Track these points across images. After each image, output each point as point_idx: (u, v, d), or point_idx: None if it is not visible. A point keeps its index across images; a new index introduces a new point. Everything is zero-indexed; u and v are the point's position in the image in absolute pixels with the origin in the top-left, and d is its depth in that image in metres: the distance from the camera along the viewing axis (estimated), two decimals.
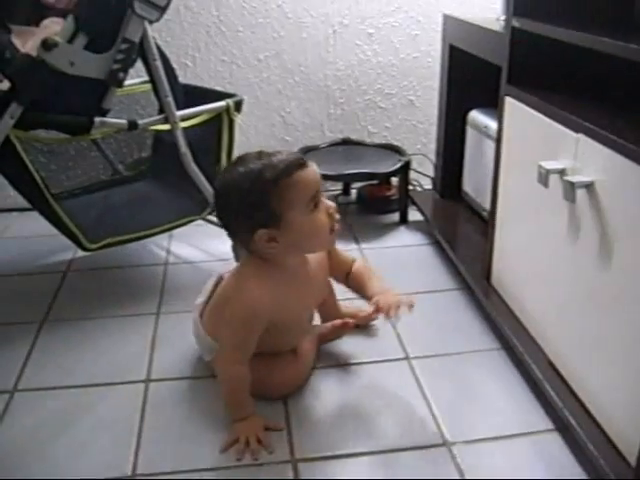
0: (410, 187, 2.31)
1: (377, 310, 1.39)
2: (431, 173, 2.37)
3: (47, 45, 1.43)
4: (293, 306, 1.38)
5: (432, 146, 2.34)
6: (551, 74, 1.42)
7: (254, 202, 1.25)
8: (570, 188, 1.19)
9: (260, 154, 1.28)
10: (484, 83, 1.70)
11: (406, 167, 2.22)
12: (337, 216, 1.32)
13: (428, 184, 2.40)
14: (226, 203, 1.30)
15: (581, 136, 1.20)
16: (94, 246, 1.69)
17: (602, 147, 1.13)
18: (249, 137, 2.45)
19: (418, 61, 2.43)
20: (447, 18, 2.07)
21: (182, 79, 2.24)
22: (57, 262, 2.04)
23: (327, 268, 1.48)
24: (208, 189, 1.78)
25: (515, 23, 1.44)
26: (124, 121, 1.62)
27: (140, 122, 1.65)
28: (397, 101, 2.48)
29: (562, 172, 1.25)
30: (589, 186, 1.17)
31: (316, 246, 1.37)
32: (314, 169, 1.29)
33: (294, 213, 1.26)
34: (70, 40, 1.47)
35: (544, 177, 1.28)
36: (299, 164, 1.26)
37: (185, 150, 1.72)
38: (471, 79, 2.01)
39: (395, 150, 2.34)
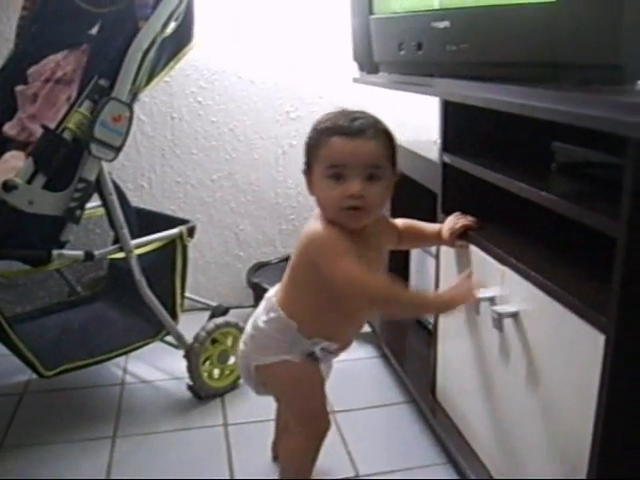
0: None
1: (453, 233, 1.48)
2: None
3: (7, 187, 1.51)
4: (362, 260, 1.30)
5: None
6: (482, 205, 1.51)
7: (306, 144, 1.33)
8: (498, 318, 1.29)
9: (343, 111, 1.32)
10: (426, 202, 1.78)
11: None
12: (354, 202, 1.27)
13: None
14: None
15: (506, 269, 1.30)
16: (50, 373, 1.72)
17: (523, 280, 1.24)
18: (204, 254, 2.54)
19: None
20: None
21: (138, 200, 2.35)
22: (13, 384, 2.06)
23: (383, 240, 1.45)
24: (163, 314, 1.85)
25: (446, 159, 1.57)
26: (80, 253, 1.69)
27: (96, 253, 1.72)
28: None
29: (492, 300, 1.35)
30: (515, 315, 1.27)
31: (328, 212, 1.32)
32: (357, 144, 1.26)
33: (316, 170, 1.30)
34: (29, 180, 1.55)
35: (475, 306, 1.38)
36: (348, 133, 1.26)
37: (140, 277, 1.79)
38: (414, 199, 2.10)
39: None
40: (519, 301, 1.27)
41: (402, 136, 2.30)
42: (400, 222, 1.55)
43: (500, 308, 1.29)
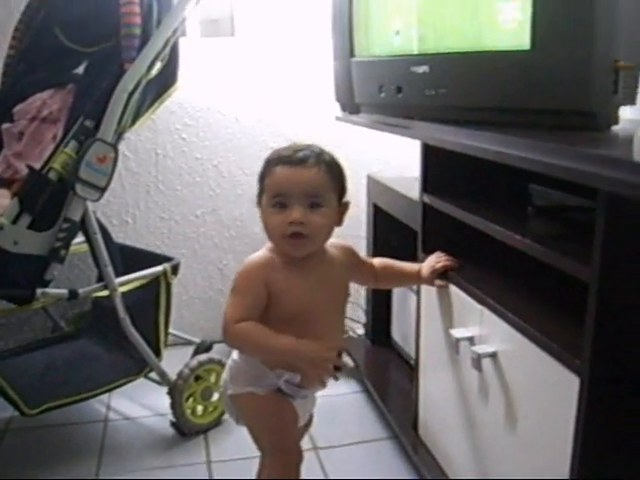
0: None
1: (434, 272, 1.52)
2: (363, 319, 2.49)
3: None
4: (302, 291, 1.36)
5: (363, 292, 2.47)
6: (463, 245, 1.54)
7: (258, 176, 1.38)
8: (477, 358, 1.31)
9: (291, 144, 1.37)
10: (407, 239, 1.81)
11: None
12: (295, 228, 1.30)
13: (361, 328, 2.51)
14: None
15: (484, 309, 1.33)
16: (34, 412, 1.72)
17: (501, 321, 1.26)
18: (188, 289, 2.55)
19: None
20: (370, 179, 2.24)
21: (123, 236, 2.37)
22: None
23: (348, 276, 1.48)
24: (147, 351, 1.85)
25: (426, 199, 1.60)
26: (65, 291, 1.70)
27: (80, 291, 1.73)
28: None
29: (471, 340, 1.38)
30: (493, 356, 1.29)
31: (273, 241, 1.38)
32: (297, 173, 1.30)
33: (264, 200, 1.35)
34: (14, 221, 1.57)
35: (455, 345, 1.40)
36: (289, 162, 1.31)
37: (124, 315, 1.80)
38: (396, 236, 2.13)
39: None
40: (497, 341, 1.29)
41: (385, 172, 2.37)
42: (377, 261, 1.58)
43: (479, 348, 1.32)
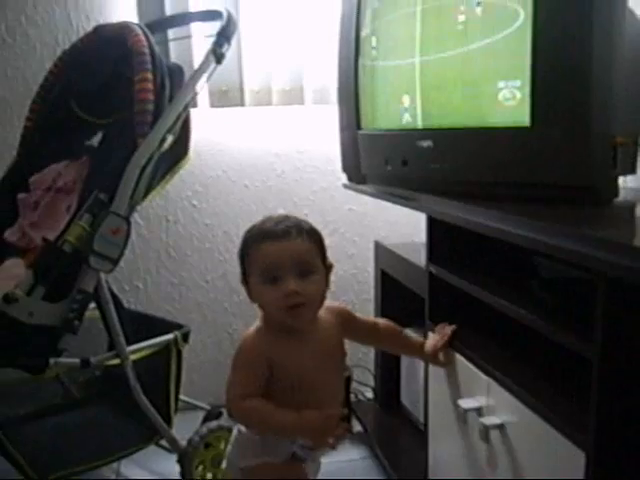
0: (352, 396, 2.42)
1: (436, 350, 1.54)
2: (372, 382, 2.49)
3: (8, 299, 1.56)
4: (301, 360, 1.39)
5: (372, 355, 2.48)
6: (470, 314, 1.56)
7: (239, 255, 1.42)
8: (484, 430, 1.32)
9: (267, 218, 1.40)
10: (415, 305, 1.82)
11: (347, 381, 2.32)
12: (293, 300, 1.32)
13: (370, 392, 2.51)
14: None
15: (491, 380, 1.34)
16: None
17: (507, 394, 1.28)
18: (198, 354, 2.57)
19: (355, 277, 2.62)
20: (378, 245, 2.27)
21: (133, 301, 2.40)
22: None
23: (343, 337, 1.50)
24: (157, 419, 1.86)
25: (432, 269, 1.62)
26: (77, 360, 1.73)
27: (92, 360, 1.75)
28: None
29: (478, 410, 1.39)
30: (501, 427, 1.30)
31: (271, 315, 1.39)
32: (284, 246, 1.33)
33: (253, 278, 1.37)
34: (29, 292, 1.60)
35: (462, 415, 1.42)
36: (273, 236, 1.34)
37: (135, 383, 1.82)
38: (403, 301, 2.14)
39: None
40: (505, 413, 1.31)
41: (394, 236, 2.41)
42: (383, 322, 1.62)
43: (486, 420, 1.33)
